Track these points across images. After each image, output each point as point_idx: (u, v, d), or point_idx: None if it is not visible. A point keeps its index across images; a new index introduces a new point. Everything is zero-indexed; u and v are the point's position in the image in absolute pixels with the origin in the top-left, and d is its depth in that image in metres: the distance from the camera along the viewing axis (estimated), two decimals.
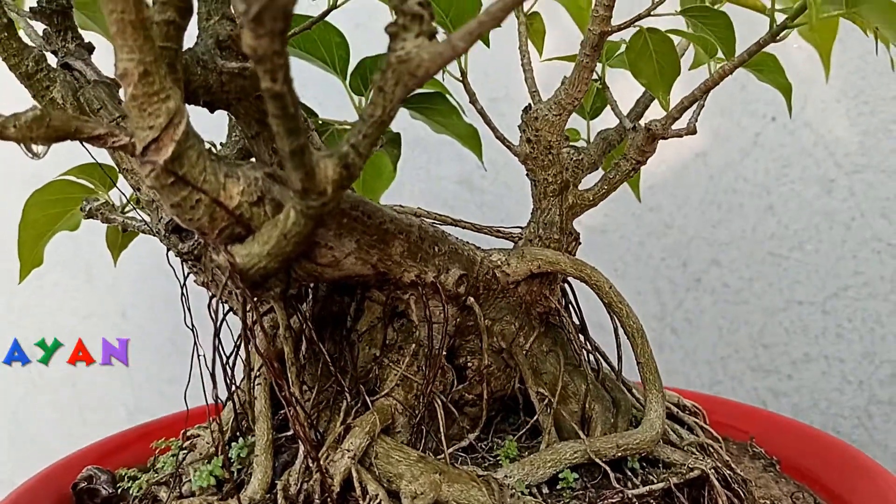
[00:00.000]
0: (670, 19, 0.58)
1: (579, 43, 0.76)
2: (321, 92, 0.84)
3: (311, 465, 0.48)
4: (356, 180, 0.54)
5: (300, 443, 0.49)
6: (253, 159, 0.62)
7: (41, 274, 1.15)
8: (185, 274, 0.54)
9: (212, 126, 0.59)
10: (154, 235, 0.55)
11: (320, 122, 0.72)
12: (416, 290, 0.51)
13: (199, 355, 0.54)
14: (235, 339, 0.55)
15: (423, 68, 0.37)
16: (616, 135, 0.63)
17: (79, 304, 1.21)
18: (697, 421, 0.63)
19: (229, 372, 0.53)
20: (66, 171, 0.63)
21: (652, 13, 0.54)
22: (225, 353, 0.54)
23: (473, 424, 0.55)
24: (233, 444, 0.52)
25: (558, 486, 0.51)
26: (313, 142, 0.58)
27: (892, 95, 1.00)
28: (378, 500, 0.46)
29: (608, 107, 0.64)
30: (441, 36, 0.37)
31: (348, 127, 0.70)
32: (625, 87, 0.69)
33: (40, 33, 0.60)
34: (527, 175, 0.58)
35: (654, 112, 0.68)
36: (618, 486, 0.50)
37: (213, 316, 0.54)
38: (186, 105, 0.41)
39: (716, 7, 0.63)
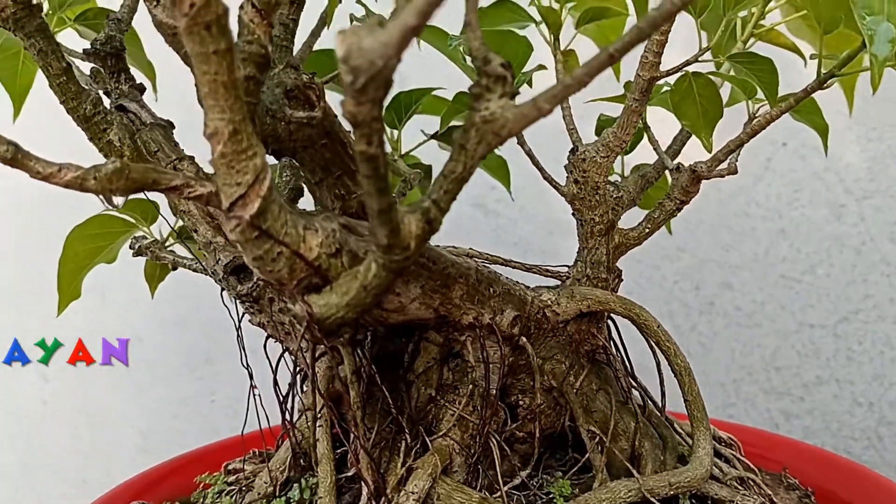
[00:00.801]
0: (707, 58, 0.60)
1: (612, 79, 0.78)
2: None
3: None
4: None
5: (363, 484, 0.49)
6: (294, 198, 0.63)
7: (44, 277, 1.15)
8: (241, 314, 0.55)
9: None
10: (208, 275, 0.56)
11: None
12: (472, 332, 0.52)
13: (254, 395, 0.55)
14: (291, 378, 0.55)
15: (507, 129, 0.38)
16: (654, 172, 0.65)
17: (79, 305, 1.20)
18: (734, 453, 0.64)
19: (287, 411, 0.54)
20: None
21: (699, 59, 0.55)
22: (281, 393, 0.54)
23: (524, 461, 0.56)
24: (293, 484, 0.53)
25: None
26: None
27: None
28: None
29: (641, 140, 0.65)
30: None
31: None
32: (651, 120, 0.70)
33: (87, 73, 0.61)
34: (573, 214, 0.59)
35: (691, 148, 0.70)
36: None
37: (269, 355, 0.55)
38: None
39: (748, 48, 0.65)
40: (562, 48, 0.67)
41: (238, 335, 0.55)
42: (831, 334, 1.06)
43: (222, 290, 0.55)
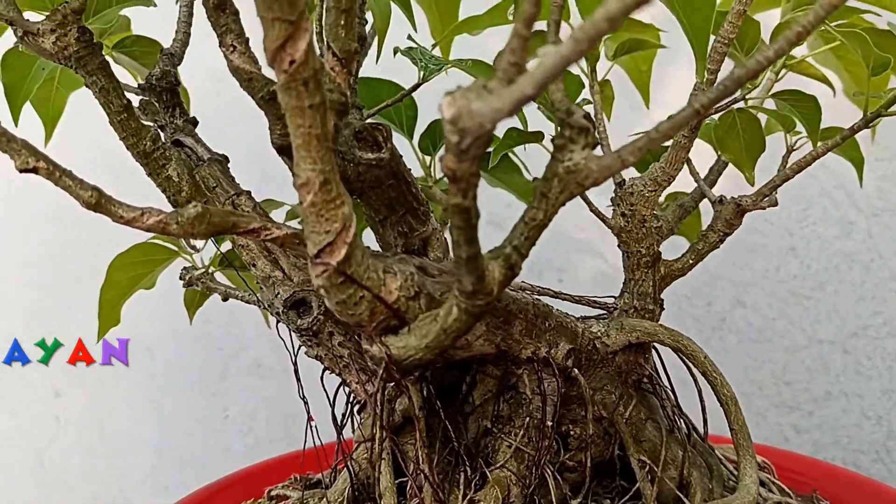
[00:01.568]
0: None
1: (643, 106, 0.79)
2: None
3: None
4: None
5: None
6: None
7: (42, 273, 1.15)
8: (297, 347, 0.56)
9: None
10: (263, 308, 0.56)
11: None
12: (529, 365, 0.53)
13: (311, 426, 0.56)
14: (347, 409, 0.56)
15: (590, 179, 0.39)
16: (692, 202, 0.66)
17: (82, 307, 1.20)
18: (769, 476, 0.65)
19: (343, 442, 0.55)
20: None
21: (747, 97, 0.57)
22: (339, 422, 0.55)
23: (574, 490, 0.57)
24: None
25: None
26: None
27: None
28: None
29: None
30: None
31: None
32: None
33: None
34: (618, 246, 0.60)
35: (727, 178, 0.72)
36: None
37: (325, 387, 0.55)
38: None
39: (779, 79, 0.66)
40: (598, 79, 0.69)
41: (294, 368, 0.55)
42: (840, 350, 1.08)
43: (278, 322, 0.56)
